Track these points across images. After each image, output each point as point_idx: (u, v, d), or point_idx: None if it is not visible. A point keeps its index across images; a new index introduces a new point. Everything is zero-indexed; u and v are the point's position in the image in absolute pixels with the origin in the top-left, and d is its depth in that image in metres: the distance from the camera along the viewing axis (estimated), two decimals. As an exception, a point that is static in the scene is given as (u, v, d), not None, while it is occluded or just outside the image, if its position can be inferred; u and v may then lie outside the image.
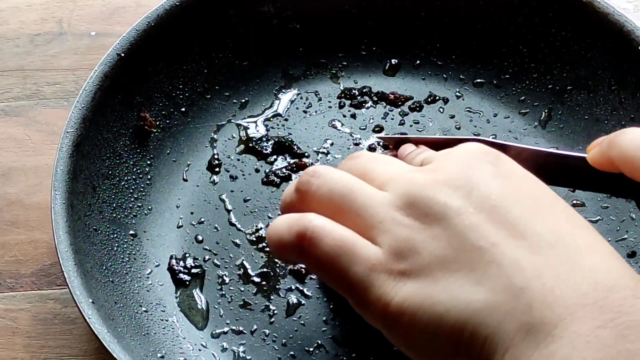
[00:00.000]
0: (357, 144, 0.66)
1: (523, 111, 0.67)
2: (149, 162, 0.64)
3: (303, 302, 0.59)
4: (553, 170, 0.50)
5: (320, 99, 0.68)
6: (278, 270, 0.60)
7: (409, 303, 0.39)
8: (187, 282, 0.60)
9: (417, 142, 0.54)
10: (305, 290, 0.59)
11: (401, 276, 0.39)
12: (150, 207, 0.63)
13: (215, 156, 0.66)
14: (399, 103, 0.68)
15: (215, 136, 0.67)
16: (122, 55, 0.62)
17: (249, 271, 0.60)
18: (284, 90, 0.69)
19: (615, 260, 0.38)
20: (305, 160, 0.65)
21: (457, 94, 0.68)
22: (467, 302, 0.37)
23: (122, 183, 0.62)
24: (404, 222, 0.40)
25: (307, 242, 0.41)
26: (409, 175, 0.42)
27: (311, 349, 0.57)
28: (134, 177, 0.63)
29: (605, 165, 0.46)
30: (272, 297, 0.59)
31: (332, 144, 0.66)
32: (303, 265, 0.60)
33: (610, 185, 0.47)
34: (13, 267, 0.63)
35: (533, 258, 0.37)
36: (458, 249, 0.38)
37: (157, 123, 0.65)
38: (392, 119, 0.67)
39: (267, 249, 0.61)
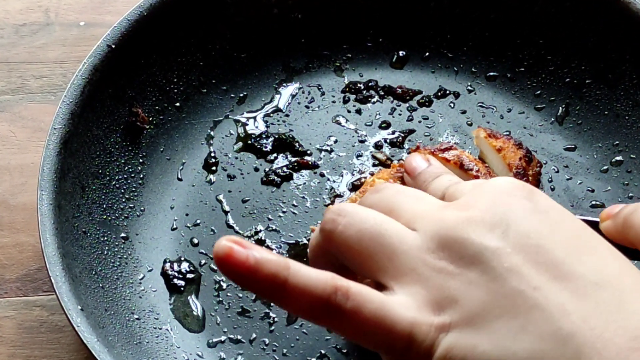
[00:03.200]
0: (362, 141, 0.66)
1: (539, 106, 0.67)
2: (141, 161, 0.64)
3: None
4: None
5: (323, 94, 0.68)
6: (278, 276, 0.60)
7: (452, 355, 0.39)
8: (182, 288, 0.60)
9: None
10: (307, 296, 0.59)
11: (442, 328, 0.39)
12: (142, 208, 0.62)
13: (212, 154, 0.65)
14: (407, 97, 0.68)
15: (211, 133, 0.66)
16: (113, 46, 0.62)
17: (248, 276, 0.60)
18: (284, 84, 0.69)
19: None
20: (307, 158, 0.65)
21: (469, 88, 0.68)
22: (513, 351, 0.37)
23: (113, 183, 0.62)
24: (438, 266, 0.40)
25: (348, 313, 0.39)
26: (439, 214, 0.42)
27: (314, 359, 0.57)
28: (125, 176, 0.63)
29: (621, 241, 0.46)
30: (272, 304, 0.59)
31: (335, 141, 0.66)
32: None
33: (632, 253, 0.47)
34: (-3, 271, 0.63)
35: (579, 301, 0.37)
36: (498, 293, 0.38)
37: (150, 119, 0.65)
38: (400, 114, 0.67)
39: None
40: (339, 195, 0.63)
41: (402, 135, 0.66)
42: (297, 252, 0.61)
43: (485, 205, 0.41)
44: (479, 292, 0.38)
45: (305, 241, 0.61)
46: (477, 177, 0.58)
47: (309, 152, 0.65)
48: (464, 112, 0.67)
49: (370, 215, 0.42)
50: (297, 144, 0.65)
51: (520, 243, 0.39)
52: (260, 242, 0.61)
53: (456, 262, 0.39)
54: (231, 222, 0.62)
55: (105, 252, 0.59)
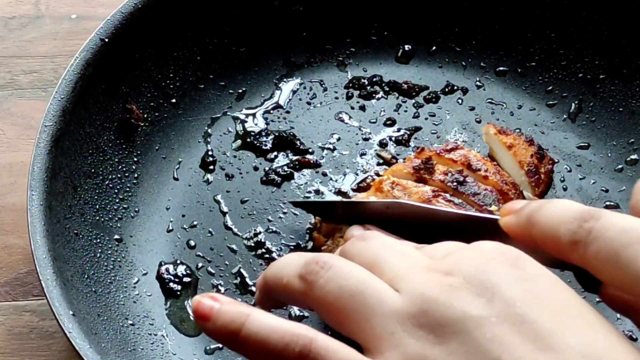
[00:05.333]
0: (366, 139, 0.66)
1: (550, 103, 0.67)
2: (135, 159, 0.64)
3: (306, 314, 0.58)
4: (470, 233, 0.50)
5: (325, 89, 0.68)
6: (279, 279, 0.60)
7: None
8: (178, 292, 0.60)
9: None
10: (309, 301, 0.59)
11: None
12: (137, 209, 0.62)
13: (210, 152, 0.65)
14: (413, 93, 0.68)
15: (209, 130, 0.66)
16: (106, 40, 0.61)
17: (247, 280, 0.60)
18: (285, 80, 0.69)
19: None
20: (309, 157, 0.65)
21: (478, 83, 0.68)
22: None
23: (106, 182, 0.62)
24: (417, 334, 0.40)
25: None
26: (422, 276, 0.42)
27: (316, 367, 0.57)
28: (119, 175, 0.63)
29: (522, 239, 0.45)
30: (272, 309, 0.59)
31: (338, 139, 0.66)
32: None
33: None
34: (-15, 275, 0.63)
35: None
36: None
37: (145, 116, 0.65)
38: (406, 111, 0.67)
39: (267, 256, 0.61)
40: (344, 193, 0.63)
41: (408, 132, 0.66)
42: (298, 254, 0.61)
43: (469, 272, 0.41)
44: None
45: (306, 244, 0.61)
46: (486, 177, 0.57)
47: (310, 150, 0.65)
48: (472, 108, 0.67)
49: (352, 271, 0.42)
50: (298, 142, 0.65)
51: (506, 312, 0.39)
52: (260, 244, 0.61)
53: (437, 331, 0.39)
54: (229, 223, 0.62)
55: (98, 255, 0.59)
